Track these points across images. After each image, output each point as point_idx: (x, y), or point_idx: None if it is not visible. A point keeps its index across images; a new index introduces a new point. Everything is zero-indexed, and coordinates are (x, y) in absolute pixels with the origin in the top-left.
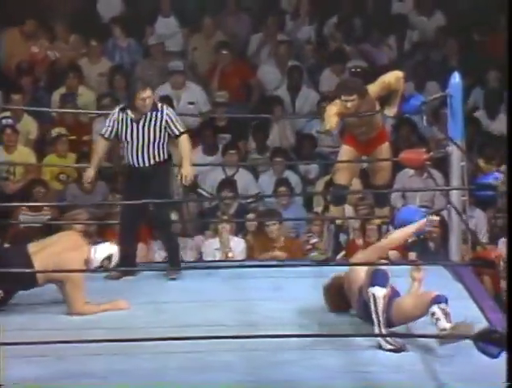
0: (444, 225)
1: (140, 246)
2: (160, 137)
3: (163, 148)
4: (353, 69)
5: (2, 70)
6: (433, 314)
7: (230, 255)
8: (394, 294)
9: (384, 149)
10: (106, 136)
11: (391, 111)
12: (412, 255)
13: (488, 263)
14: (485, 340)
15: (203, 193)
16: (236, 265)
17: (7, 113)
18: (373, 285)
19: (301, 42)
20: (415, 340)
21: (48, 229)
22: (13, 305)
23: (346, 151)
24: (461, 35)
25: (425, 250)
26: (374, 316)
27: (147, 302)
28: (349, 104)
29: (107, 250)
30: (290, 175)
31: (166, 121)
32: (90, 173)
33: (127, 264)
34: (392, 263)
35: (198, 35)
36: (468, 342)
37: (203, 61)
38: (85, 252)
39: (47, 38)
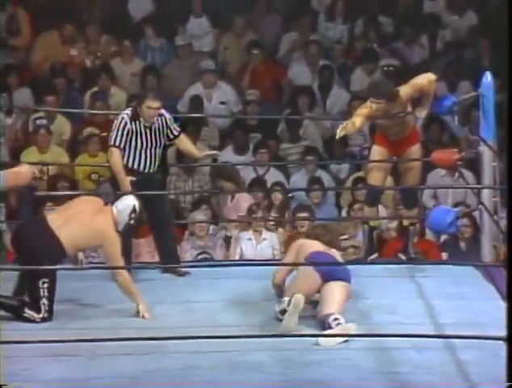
0: (475, 226)
1: None
2: (164, 141)
3: (163, 151)
4: (385, 68)
5: (35, 72)
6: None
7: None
8: None
9: (415, 150)
10: (120, 146)
11: (422, 113)
12: (444, 256)
13: None
14: None
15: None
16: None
17: (41, 114)
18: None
19: (332, 42)
20: (445, 341)
21: None
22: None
23: (377, 151)
24: (494, 34)
25: (457, 250)
26: None
27: (178, 302)
28: (375, 107)
29: (129, 203)
30: (322, 174)
31: (167, 123)
32: (128, 182)
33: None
34: (423, 262)
35: (229, 34)
36: (499, 342)
37: (233, 61)
38: (109, 213)
39: (82, 40)
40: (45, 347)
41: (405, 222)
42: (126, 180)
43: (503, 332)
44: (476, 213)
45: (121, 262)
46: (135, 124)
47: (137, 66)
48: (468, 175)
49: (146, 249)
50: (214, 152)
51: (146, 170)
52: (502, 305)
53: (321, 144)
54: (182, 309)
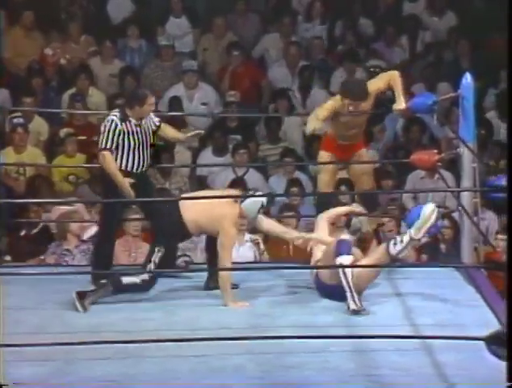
0: (456, 227)
1: None
2: (151, 139)
3: (151, 150)
4: (371, 69)
5: (9, 70)
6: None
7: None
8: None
9: (364, 153)
10: (111, 148)
11: (400, 105)
12: (423, 258)
13: (498, 265)
14: (497, 343)
15: None
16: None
17: (18, 113)
18: (339, 255)
19: (311, 42)
20: (425, 343)
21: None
22: (25, 308)
23: (325, 157)
24: (473, 35)
25: (437, 251)
26: (345, 283)
27: (159, 305)
28: (351, 108)
29: (257, 199)
30: (300, 175)
31: (152, 119)
32: (128, 184)
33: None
34: (403, 265)
35: (208, 35)
36: (479, 343)
37: (213, 62)
38: (237, 208)
39: (59, 40)
40: (24, 351)
41: (373, 225)
42: (125, 182)
43: (483, 333)
44: (456, 214)
45: (230, 254)
46: (125, 124)
47: (116, 67)
48: (448, 176)
49: (121, 248)
50: (197, 132)
51: (139, 170)
52: (483, 306)
53: (301, 145)
54: (161, 312)
